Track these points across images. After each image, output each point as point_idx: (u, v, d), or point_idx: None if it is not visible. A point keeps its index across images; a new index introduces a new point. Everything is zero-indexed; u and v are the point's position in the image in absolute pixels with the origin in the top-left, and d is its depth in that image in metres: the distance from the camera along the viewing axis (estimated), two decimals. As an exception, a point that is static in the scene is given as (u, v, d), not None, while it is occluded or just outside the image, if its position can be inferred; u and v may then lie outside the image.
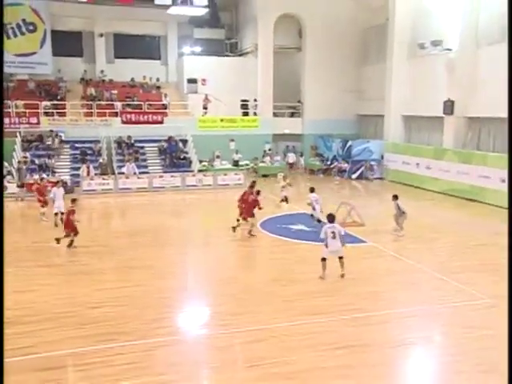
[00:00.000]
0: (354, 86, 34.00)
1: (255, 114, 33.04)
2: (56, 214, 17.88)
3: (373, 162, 29.81)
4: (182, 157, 28.84)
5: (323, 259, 12.50)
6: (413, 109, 28.88)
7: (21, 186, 23.70)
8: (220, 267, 13.98)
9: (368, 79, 33.45)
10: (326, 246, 12.57)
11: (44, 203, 18.87)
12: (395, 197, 17.40)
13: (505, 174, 21.18)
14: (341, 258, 12.53)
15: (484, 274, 12.94)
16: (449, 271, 13.04)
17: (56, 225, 17.68)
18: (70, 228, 14.78)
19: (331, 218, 12.93)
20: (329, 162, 31.92)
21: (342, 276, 12.48)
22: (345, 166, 30.45)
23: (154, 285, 12.26)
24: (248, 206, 16.68)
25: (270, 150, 32.22)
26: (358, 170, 29.87)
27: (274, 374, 8.08)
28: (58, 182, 19.66)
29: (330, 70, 33.19)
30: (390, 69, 29.78)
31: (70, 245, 14.91)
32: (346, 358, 8.60)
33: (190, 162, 28.63)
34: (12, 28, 31.23)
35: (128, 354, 8.67)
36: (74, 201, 15.28)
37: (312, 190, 18.27)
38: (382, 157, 29.91)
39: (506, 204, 20.86)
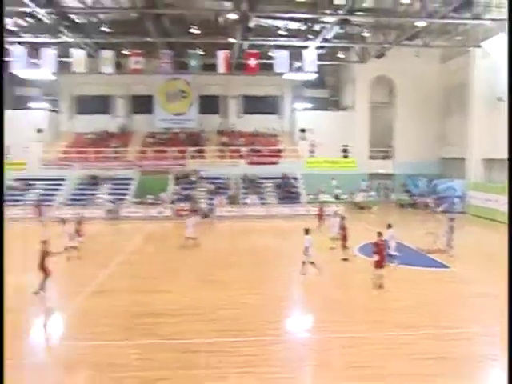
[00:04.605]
0: (438, 133, 32.50)
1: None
2: (188, 238, 17.83)
3: (456, 199, 27.90)
4: (293, 191, 29.07)
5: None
6: (492, 152, 26.64)
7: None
8: (323, 284, 13.53)
9: (450, 127, 31.72)
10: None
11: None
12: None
13: None
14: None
15: None
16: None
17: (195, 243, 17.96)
18: None
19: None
20: (416, 198, 30.39)
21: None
22: (430, 201, 28.80)
23: (270, 294, 12.21)
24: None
25: (366, 186, 31.41)
26: (441, 204, 28.02)
27: (366, 375, 7.67)
28: (196, 210, 19.75)
29: (417, 120, 32.19)
30: (471, 120, 28.00)
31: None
32: (435, 367, 7.95)
33: (300, 195, 28.73)
34: (171, 95, 34.05)
35: (249, 347, 8.73)
36: None
37: (389, 226, 14.77)
38: (464, 194, 27.80)
39: None
